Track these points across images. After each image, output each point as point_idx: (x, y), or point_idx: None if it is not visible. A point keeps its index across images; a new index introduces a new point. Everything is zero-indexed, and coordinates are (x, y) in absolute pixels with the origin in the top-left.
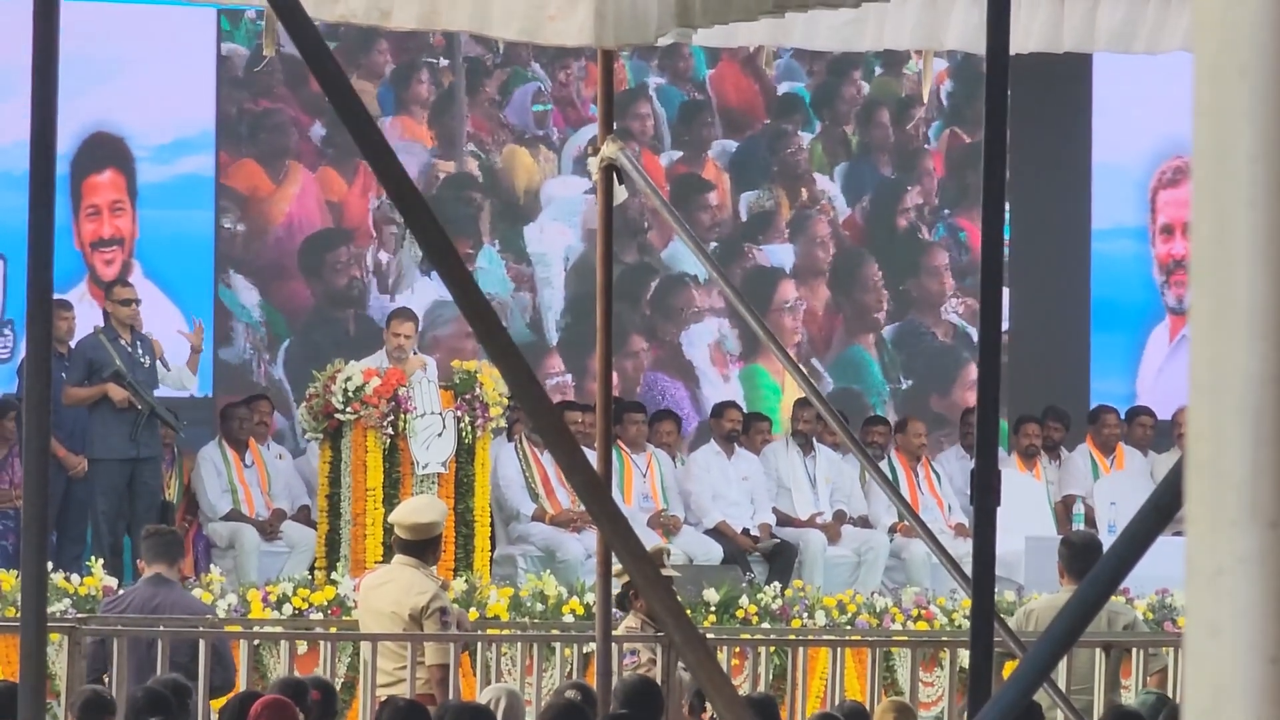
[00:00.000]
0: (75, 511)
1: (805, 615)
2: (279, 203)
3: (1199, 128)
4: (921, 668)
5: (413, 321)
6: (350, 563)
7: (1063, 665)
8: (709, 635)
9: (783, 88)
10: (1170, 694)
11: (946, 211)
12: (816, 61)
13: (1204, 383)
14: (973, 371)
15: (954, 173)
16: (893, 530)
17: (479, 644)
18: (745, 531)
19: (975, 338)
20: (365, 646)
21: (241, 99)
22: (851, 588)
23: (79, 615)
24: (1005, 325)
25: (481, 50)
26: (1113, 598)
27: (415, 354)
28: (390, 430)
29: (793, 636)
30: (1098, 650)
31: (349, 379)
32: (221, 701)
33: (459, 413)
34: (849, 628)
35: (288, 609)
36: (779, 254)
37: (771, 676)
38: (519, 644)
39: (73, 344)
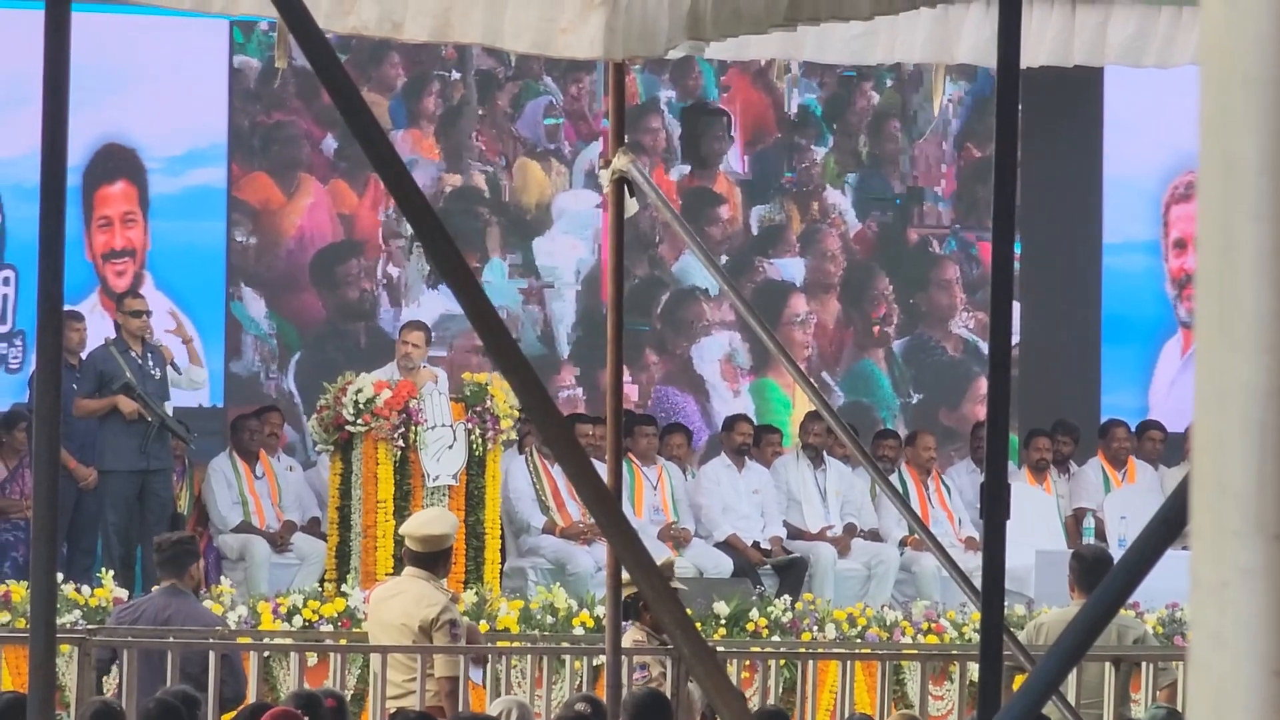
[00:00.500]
0: (86, 523)
1: (815, 628)
2: (290, 215)
3: (1205, 140)
4: (931, 681)
5: (424, 333)
6: (361, 575)
7: (1072, 679)
8: (719, 648)
9: (795, 101)
10: (1180, 708)
11: (957, 225)
12: (827, 74)
13: (1208, 395)
14: (983, 385)
15: (965, 186)
16: (903, 544)
17: (489, 656)
18: (755, 545)
19: (986, 351)
20: (375, 658)
21: (254, 111)
22: (862, 601)
23: (89, 626)
24: (1016, 339)
25: (493, 63)
26: (1123, 612)
27: (425, 366)
28: (401, 442)
29: (803, 650)
30: (1107, 664)
31: (360, 391)
32: (232, 714)
33: (470, 425)
34: (859, 641)
35: (298, 621)
36: (790, 268)
37: (781, 689)
38: (529, 656)
39: (84, 355)
